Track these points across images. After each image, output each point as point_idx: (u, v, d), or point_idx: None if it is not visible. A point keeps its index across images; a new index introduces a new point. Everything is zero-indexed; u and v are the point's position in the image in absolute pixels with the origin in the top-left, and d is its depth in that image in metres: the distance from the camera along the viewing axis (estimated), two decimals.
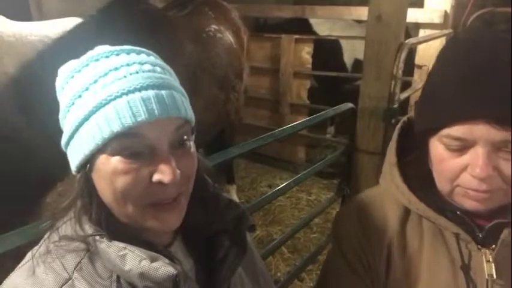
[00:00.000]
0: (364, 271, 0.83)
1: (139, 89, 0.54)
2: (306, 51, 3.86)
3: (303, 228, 2.54)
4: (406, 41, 2.09)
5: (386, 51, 2.05)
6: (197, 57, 2.38)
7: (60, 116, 0.60)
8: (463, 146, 0.67)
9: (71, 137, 0.58)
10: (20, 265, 0.61)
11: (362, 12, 3.33)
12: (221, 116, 2.69)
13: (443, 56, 0.74)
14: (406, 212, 0.82)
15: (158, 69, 0.59)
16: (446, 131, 0.68)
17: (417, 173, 0.80)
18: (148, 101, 0.54)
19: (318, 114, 2.05)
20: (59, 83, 0.61)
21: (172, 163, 0.56)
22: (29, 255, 0.61)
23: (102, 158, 0.56)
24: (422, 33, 3.22)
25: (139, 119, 0.53)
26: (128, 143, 0.55)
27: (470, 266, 0.74)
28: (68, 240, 0.59)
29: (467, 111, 0.64)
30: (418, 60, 3.23)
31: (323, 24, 4.31)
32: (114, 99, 0.54)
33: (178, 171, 0.57)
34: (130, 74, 0.55)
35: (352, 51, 4.31)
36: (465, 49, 0.69)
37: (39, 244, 0.62)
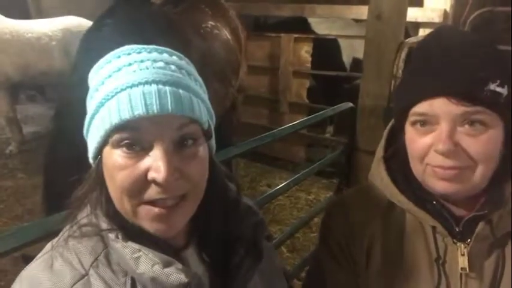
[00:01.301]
0: (348, 264, 0.85)
1: (144, 83, 0.54)
2: (305, 50, 3.85)
3: (302, 228, 2.54)
4: (406, 40, 2.09)
5: (386, 50, 2.05)
6: (201, 52, 2.38)
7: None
8: (429, 123, 0.71)
9: (87, 128, 0.59)
10: (39, 255, 0.61)
11: (361, 11, 3.32)
12: (219, 111, 2.69)
13: (415, 48, 0.81)
14: (391, 205, 0.84)
15: (173, 67, 0.58)
16: (413, 110, 0.73)
17: (398, 164, 0.83)
18: (149, 96, 0.53)
19: (317, 114, 2.05)
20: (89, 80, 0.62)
21: (168, 162, 0.54)
22: (48, 246, 0.62)
23: (107, 151, 0.56)
24: (422, 32, 3.22)
25: (136, 112, 0.52)
26: (125, 135, 0.54)
27: (445, 260, 0.76)
28: (87, 235, 0.59)
29: (428, 88, 0.70)
30: None
31: (322, 23, 4.31)
32: (120, 91, 0.54)
33: (176, 173, 0.55)
34: (140, 70, 0.55)
35: (350, 50, 4.30)
36: (429, 38, 0.77)
37: (59, 235, 0.62)
